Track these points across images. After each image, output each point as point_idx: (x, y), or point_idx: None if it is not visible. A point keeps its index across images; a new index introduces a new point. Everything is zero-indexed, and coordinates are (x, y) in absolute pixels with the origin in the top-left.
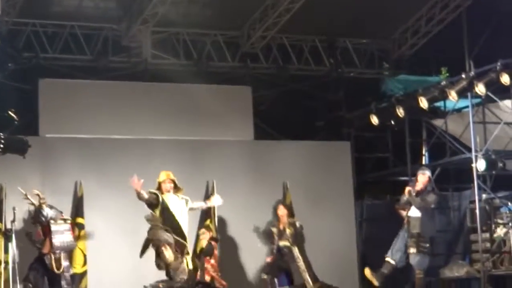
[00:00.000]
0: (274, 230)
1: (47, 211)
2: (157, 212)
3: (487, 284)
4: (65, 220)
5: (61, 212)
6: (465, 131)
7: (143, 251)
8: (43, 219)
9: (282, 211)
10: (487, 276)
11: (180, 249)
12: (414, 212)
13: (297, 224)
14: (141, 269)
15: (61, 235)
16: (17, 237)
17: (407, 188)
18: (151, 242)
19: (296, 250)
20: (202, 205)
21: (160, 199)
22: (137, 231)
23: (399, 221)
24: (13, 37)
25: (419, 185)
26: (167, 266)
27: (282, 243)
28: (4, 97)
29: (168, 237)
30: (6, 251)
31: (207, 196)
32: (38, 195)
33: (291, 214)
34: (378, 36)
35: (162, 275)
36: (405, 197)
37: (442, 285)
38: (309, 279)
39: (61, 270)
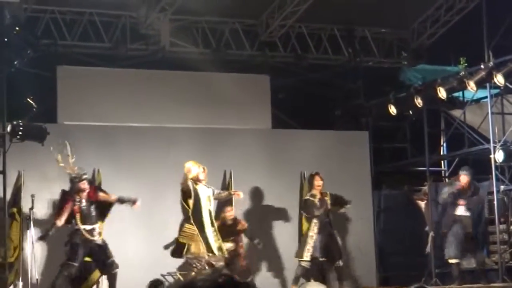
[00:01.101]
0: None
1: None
2: (190, 202)
3: (505, 276)
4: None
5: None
6: (484, 121)
7: (175, 254)
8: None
9: (319, 181)
10: (505, 267)
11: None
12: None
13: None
14: (156, 256)
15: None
16: (35, 224)
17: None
18: (191, 258)
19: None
20: (225, 194)
21: (193, 192)
22: (153, 219)
23: (416, 212)
24: (32, 24)
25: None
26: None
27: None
28: (22, 84)
29: (204, 253)
30: (23, 238)
31: (224, 185)
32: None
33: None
34: (397, 25)
35: (174, 261)
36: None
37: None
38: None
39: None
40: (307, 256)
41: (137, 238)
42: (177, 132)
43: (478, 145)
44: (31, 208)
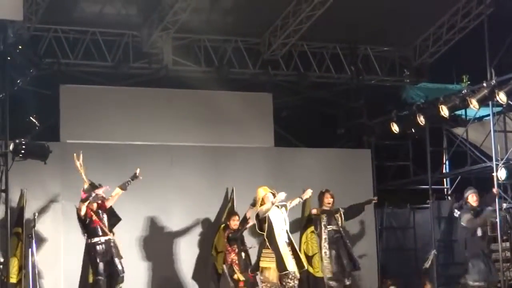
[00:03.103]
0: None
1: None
2: (264, 227)
3: None
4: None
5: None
6: (486, 139)
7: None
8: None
9: (329, 199)
10: (508, 285)
11: None
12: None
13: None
14: (161, 273)
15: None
16: (37, 242)
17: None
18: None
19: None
20: (297, 201)
21: (266, 217)
22: (157, 236)
23: (419, 230)
24: (35, 43)
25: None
26: None
27: (330, 227)
28: (25, 103)
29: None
30: (26, 257)
31: (226, 203)
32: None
33: (309, 222)
34: (399, 43)
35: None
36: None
37: None
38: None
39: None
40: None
41: (142, 255)
42: (180, 150)
43: (481, 163)
44: (33, 226)
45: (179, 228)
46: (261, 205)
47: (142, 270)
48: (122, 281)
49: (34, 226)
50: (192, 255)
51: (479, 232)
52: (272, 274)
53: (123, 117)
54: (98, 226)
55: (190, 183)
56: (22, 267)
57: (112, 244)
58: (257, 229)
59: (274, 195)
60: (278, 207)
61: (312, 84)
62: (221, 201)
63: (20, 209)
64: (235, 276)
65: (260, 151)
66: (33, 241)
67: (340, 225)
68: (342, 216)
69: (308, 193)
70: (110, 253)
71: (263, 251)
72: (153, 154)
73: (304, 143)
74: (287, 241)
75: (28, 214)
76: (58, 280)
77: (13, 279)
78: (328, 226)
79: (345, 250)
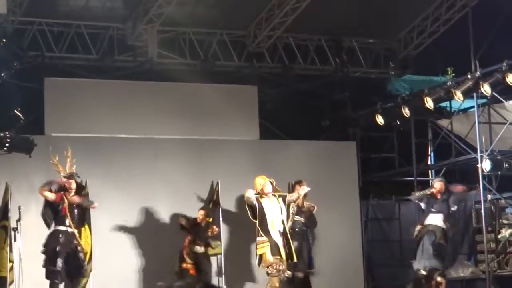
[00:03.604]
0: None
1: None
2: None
3: (492, 285)
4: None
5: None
6: (471, 131)
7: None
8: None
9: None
10: (492, 276)
11: None
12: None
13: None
14: (146, 267)
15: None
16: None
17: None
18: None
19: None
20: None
21: (257, 204)
22: (141, 229)
23: (404, 222)
24: (19, 36)
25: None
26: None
27: (298, 218)
28: (10, 96)
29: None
30: (11, 249)
31: (211, 195)
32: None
33: None
34: (384, 35)
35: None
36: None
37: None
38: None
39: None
40: None
41: (126, 248)
42: (165, 143)
43: (466, 154)
44: (18, 220)
45: (164, 220)
46: (259, 193)
47: (126, 263)
48: (85, 274)
49: (19, 220)
50: (176, 247)
51: (429, 219)
52: (268, 256)
53: (108, 110)
54: (67, 216)
55: (175, 176)
56: (13, 260)
57: (75, 238)
58: (250, 217)
59: (272, 183)
60: (275, 196)
61: (297, 76)
62: (206, 194)
63: (6, 202)
64: None
65: (245, 144)
66: (19, 234)
67: (305, 221)
68: (313, 216)
69: (305, 189)
70: (72, 246)
71: (257, 240)
72: (138, 147)
73: (289, 135)
74: (281, 230)
75: (13, 207)
76: (43, 272)
77: (4, 273)
78: (296, 216)
79: (306, 247)
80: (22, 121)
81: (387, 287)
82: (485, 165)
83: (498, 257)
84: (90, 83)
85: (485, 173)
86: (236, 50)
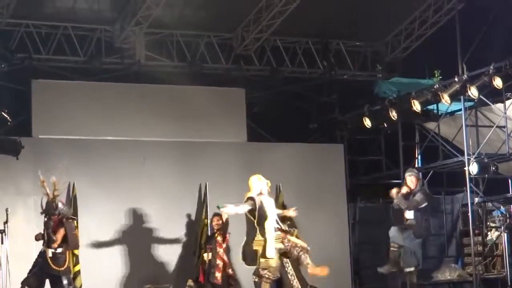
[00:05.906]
0: None
1: (60, 206)
2: (255, 214)
3: (479, 287)
4: (72, 219)
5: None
6: (458, 134)
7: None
8: (56, 212)
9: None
10: (479, 279)
11: None
12: (408, 215)
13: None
14: (133, 269)
15: (70, 232)
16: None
17: (394, 190)
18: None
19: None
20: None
21: (257, 204)
22: (129, 231)
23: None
24: (6, 38)
25: (406, 188)
26: None
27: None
28: None
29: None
30: None
31: (200, 198)
32: (54, 183)
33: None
34: (371, 38)
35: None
36: (395, 200)
37: None
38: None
39: (63, 268)
40: None
41: (114, 250)
42: (152, 146)
43: (453, 157)
44: (6, 222)
45: (152, 223)
46: (258, 194)
47: (115, 266)
48: None
49: (6, 222)
50: (165, 250)
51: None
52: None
53: (95, 112)
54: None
55: (162, 178)
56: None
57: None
58: (250, 217)
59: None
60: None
61: (285, 79)
62: (194, 196)
63: None
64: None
65: (233, 146)
66: (6, 237)
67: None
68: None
69: (292, 213)
70: (45, 267)
71: (255, 239)
72: (126, 149)
73: (277, 138)
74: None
75: (0, 209)
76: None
77: None
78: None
79: None
80: (9, 123)
81: None
82: (472, 168)
83: (485, 260)
84: (77, 85)
85: (472, 176)
86: (223, 53)
